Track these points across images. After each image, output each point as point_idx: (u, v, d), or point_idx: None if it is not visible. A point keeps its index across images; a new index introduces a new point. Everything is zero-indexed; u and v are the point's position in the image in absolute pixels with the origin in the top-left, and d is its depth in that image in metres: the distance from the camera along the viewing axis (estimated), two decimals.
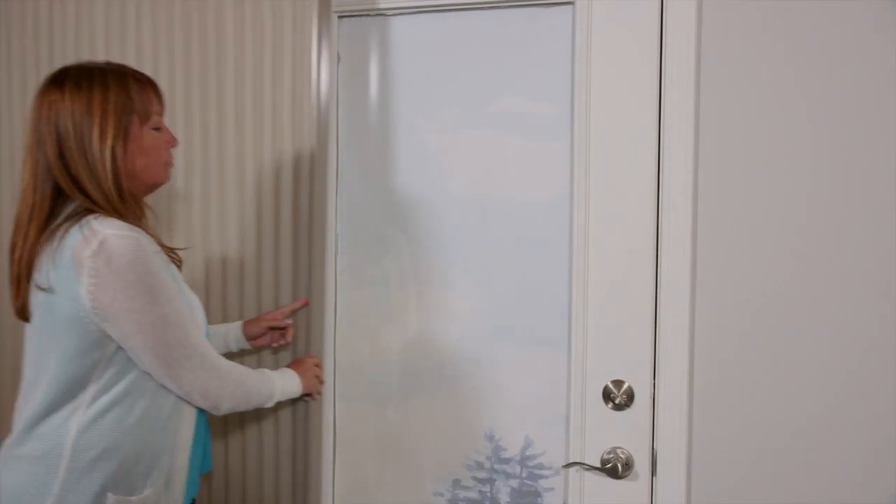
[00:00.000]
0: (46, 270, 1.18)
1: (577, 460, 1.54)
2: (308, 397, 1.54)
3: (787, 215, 1.43)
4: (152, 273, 1.18)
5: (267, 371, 1.42)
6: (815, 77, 1.41)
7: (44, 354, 1.22)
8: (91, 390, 1.21)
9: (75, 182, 1.20)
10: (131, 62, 1.62)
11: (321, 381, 1.55)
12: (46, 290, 1.18)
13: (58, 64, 1.66)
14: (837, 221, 1.41)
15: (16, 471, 1.21)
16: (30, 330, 1.26)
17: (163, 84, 1.58)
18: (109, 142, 1.21)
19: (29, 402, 1.24)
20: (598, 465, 1.53)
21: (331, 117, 1.63)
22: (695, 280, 1.47)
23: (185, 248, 1.53)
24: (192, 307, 1.30)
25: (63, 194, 1.21)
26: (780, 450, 1.45)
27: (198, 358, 1.24)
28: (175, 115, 1.63)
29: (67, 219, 1.19)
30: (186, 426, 1.31)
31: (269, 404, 1.40)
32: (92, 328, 1.18)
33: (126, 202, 1.22)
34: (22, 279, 1.23)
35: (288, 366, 1.51)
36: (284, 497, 1.60)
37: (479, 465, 1.64)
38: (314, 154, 1.55)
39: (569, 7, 1.54)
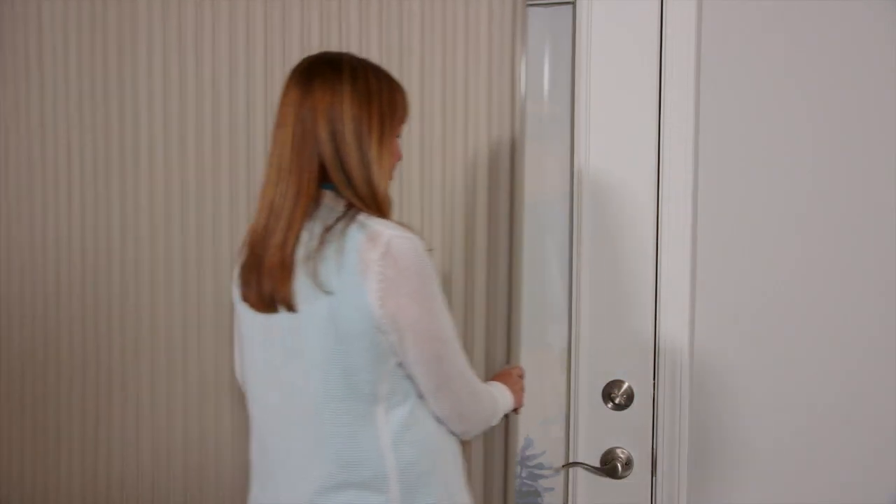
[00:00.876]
0: (328, 274, 1.07)
1: (577, 460, 1.54)
2: (514, 412, 1.40)
3: (787, 215, 1.43)
4: (432, 280, 1.10)
5: (489, 388, 1.29)
6: (815, 77, 1.41)
7: (322, 367, 1.09)
8: (383, 405, 1.11)
9: (345, 173, 1.10)
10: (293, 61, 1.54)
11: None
12: (331, 294, 1.07)
13: (189, 62, 1.59)
14: (837, 221, 1.41)
15: (350, 500, 1.10)
16: (285, 338, 1.12)
17: None
18: (386, 140, 1.13)
19: (305, 420, 1.11)
20: (598, 465, 1.53)
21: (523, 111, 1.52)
22: (695, 280, 1.47)
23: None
24: None
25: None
26: (780, 450, 1.45)
27: (461, 379, 1.14)
28: None
29: (340, 218, 1.10)
30: None
31: (493, 423, 1.29)
32: (378, 339, 1.08)
33: (386, 201, 1.15)
34: (284, 267, 1.09)
35: (493, 379, 1.39)
36: None
37: None
38: (514, 151, 1.46)
39: (569, 7, 1.54)
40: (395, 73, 1.48)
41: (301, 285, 1.09)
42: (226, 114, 1.59)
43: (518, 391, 1.37)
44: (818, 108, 1.41)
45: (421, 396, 1.15)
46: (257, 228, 1.13)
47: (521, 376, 1.41)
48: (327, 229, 1.08)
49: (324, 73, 1.12)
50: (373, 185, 1.11)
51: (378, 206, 1.12)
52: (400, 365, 1.11)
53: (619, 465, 1.51)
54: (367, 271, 1.05)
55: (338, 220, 1.09)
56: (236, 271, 1.20)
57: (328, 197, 1.12)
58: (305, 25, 1.54)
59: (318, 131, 1.10)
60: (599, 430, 1.53)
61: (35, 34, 1.63)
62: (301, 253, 1.09)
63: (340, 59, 1.15)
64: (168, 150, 1.61)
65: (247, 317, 1.17)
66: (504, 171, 1.47)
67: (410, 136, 1.50)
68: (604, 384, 1.53)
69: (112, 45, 1.62)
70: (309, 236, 1.09)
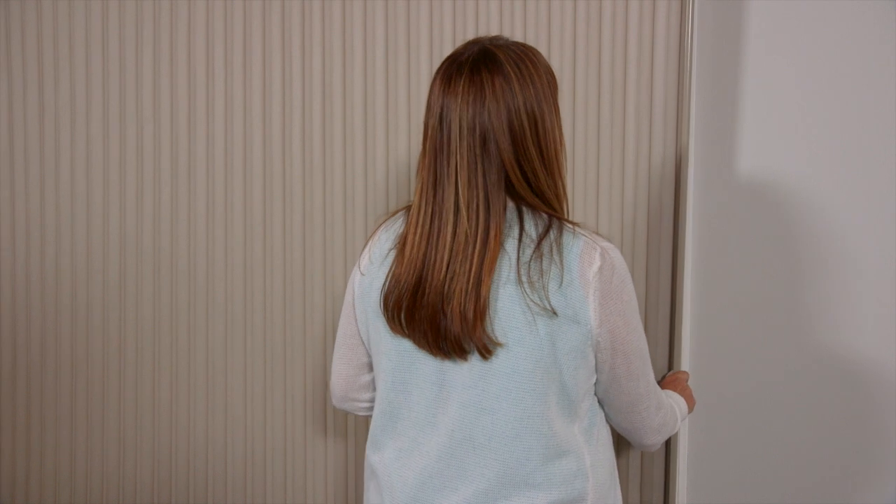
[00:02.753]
0: (552, 292, 0.99)
1: None
2: None
3: (786, 214, 1.44)
4: (634, 293, 1.05)
5: (669, 399, 1.24)
6: (814, 76, 1.43)
7: (536, 387, 1.01)
8: (579, 425, 1.06)
9: (529, 179, 1.02)
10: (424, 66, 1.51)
11: None
12: (552, 314, 0.99)
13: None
14: (837, 220, 1.42)
15: None
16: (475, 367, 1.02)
17: None
18: (560, 134, 1.05)
19: (493, 443, 1.02)
20: None
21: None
22: (694, 280, 1.48)
23: None
24: None
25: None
26: (780, 449, 1.45)
27: (653, 394, 1.11)
28: None
29: (549, 227, 1.01)
30: None
31: (672, 433, 1.25)
32: (590, 356, 1.02)
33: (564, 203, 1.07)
34: (478, 311, 0.98)
35: (662, 386, 1.36)
36: None
37: None
38: (679, 142, 1.44)
39: None
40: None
41: (508, 310, 1.00)
42: (237, 111, 1.57)
43: (689, 397, 1.34)
44: (818, 107, 1.42)
45: (599, 412, 1.11)
46: (427, 261, 1.02)
47: (687, 381, 1.39)
48: (539, 241, 1.00)
49: (492, 68, 1.01)
50: (558, 189, 1.05)
51: (560, 210, 1.06)
52: (595, 382, 1.07)
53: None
54: (588, 287, 0.99)
55: (547, 229, 1.01)
56: (374, 287, 1.11)
57: (519, 201, 1.03)
58: (436, 19, 1.51)
59: (499, 137, 0.99)
60: None
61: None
62: (506, 272, 1.00)
63: (503, 49, 1.04)
64: (172, 150, 1.60)
65: (399, 335, 1.07)
66: (669, 171, 1.45)
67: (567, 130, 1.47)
68: None
69: (110, 39, 1.59)
70: (515, 248, 1.01)
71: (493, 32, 1.49)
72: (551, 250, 1.00)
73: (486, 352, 1.00)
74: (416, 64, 1.52)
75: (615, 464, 1.13)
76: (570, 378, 1.01)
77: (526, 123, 1.00)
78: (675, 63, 1.46)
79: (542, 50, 1.48)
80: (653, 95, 1.47)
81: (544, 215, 1.03)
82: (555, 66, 1.48)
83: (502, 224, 1.00)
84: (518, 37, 1.49)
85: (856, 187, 1.40)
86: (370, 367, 1.21)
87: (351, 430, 1.60)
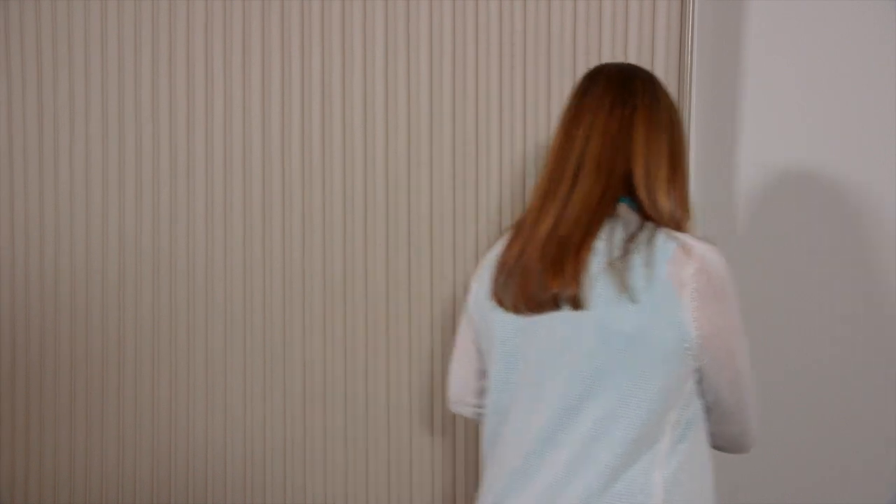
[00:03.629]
0: (636, 286, 0.98)
1: None
2: None
3: (786, 214, 1.44)
4: (737, 296, 1.02)
5: None
6: (814, 76, 1.43)
7: (615, 389, 0.98)
8: (668, 436, 0.99)
9: (650, 189, 1.04)
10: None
11: None
12: (639, 306, 0.97)
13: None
14: (837, 219, 1.42)
15: None
16: (566, 348, 1.01)
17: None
18: (687, 161, 1.12)
19: (572, 444, 0.99)
20: None
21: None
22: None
23: None
24: None
25: None
26: (780, 449, 1.45)
27: (754, 395, 1.07)
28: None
29: (642, 227, 1.02)
30: None
31: None
32: (687, 361, 0.98)
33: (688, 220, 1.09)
34: (579, 268, 1.00)
35: None
36: None
37: None
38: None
39: None
40: (543, 67, 1.48)
41: (598, 293, 1.00)
42: (238, 110, 1.57)
43: None
44: (819, 107, 1.42)
45: (702, 421, 1.04)
46: (541, 231, 1.04)
47: None
48: (630, 238, 1.00)
49: (644, 82, 1.09)
50: (678, 206, 1.06)
51: (677, 226, 1.05)
52: (693, 386, 1.02)
53: None
54: (682, 289, 0.97)
55: (640, 229, 1.01)
56: (483, 288, 1.13)
57: (622, 209, 1.05)
58: (436, 19, 1.51)
59: (636, 138, 1.04)
60: None
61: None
62: (596, 264, 1.00)
63: (649, 71, 1.13)
64: (173, 151, 1.59)
65: (508, 326, 1.08)
66: None
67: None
68: None
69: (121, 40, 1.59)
70: (606, 245, 1.01)
71: (493, 32, 1.49)
72: (639, 249, 0.99)
73: (576, 304, 1.00)
74: (416, 64, 1.52)
75: (710, 485, 1.05)
76: (662, 382, 0.97)
77: (665, 118, 1.06)
78: (675, 63, 1.45)
79: (542, 50, 1.49)
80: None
81: (636, 219, 1.03)
82: (555, 66, 1.48)
83: (618, 193, 1.03)
84: (518, 37, 1.49)
85: (855, 187, 1.40)
86: (482, 374, 1.21)
87: (350, 431, 1.60)
